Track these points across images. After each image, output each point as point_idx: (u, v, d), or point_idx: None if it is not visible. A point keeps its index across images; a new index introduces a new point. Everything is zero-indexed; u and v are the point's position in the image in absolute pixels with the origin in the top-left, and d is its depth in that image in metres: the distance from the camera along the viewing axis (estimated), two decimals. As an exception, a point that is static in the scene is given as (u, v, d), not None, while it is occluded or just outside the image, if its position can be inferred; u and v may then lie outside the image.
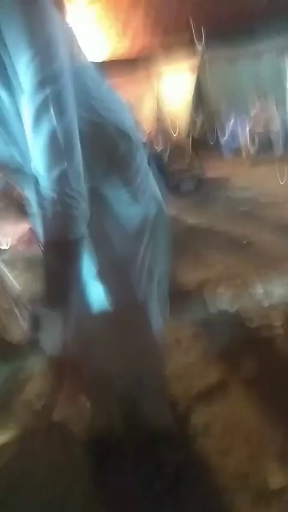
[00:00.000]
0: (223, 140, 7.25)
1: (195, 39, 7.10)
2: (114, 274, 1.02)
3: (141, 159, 1.06)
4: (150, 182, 1.11)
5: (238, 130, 6.99)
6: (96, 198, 0.91)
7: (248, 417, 1.42)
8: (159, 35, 6.14)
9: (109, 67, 7.12)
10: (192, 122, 8.11)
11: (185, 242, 3.47)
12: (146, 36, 6.08)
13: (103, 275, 1.00)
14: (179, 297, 2.42)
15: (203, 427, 1.39)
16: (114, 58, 6.83)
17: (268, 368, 1.65)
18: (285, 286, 2.33)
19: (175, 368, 1.72)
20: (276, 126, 6.45)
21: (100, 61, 6.80)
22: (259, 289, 2.35)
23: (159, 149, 7.62)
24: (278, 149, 6.48)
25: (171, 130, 8.38)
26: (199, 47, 7.45)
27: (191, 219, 4.20)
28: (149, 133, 8.35)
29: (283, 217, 3.63)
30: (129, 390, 1.24)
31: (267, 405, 1.47)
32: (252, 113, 6.70)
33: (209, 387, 1.59)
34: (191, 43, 7.03)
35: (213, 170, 6.75)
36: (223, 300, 2.30)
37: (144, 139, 7.84)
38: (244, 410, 1.45)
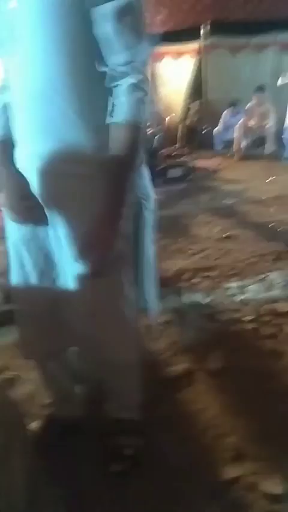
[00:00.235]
0: (215, 130, 7.20)
1: (200, 23, 6.95)
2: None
3: None
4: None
5: (231, 122, 6.93)
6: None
7: (209, 407, 1.44)
8: (161, 13, 5.96)
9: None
10: (187, 108, 7.99)
11: (166, 230, 3.46)
12: (148, 13, 5.89)
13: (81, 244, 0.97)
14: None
15: (165, 415, 1.41)
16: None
17: (234, 361, 1.67)
18: (259, 282, 2.36)
19: (142, 355, 1.72)
20: (269, 122, 6.43)
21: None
22: (233, 284, 2.37)
23: (150, 131, 7.51)
24: (269, 146, 6.49)
25: (165, 113, 8.25)
26: (203, 32, 7.30)
27: (175, 207, 4.18)
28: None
29: (264, 214, 3.67)
30: (97, 370, 1.24)
31: (230, 397, 1.50)
32: (247, 106, 6.65)
33: (174, 376, 1.60)
34: (195, 26, 6.86)
35: (203, 160, 6.72)
36: (197, 291, 2.32)
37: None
38: (206, 401, 1.47)
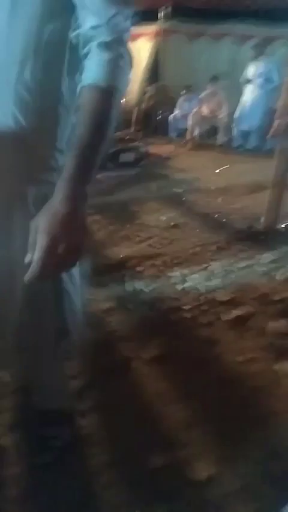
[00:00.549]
0: (171, 117, 7.19)
1: (159, 6, 6.83)
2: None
3: None
4: None
5: (186, 109, 6.95)
6: None
7: (143, 395, 1.46)
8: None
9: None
10: (142, 92, 7.89)
11: (114, 215, 3.43)
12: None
13: None
14: (98, 271, 2.40)
15: (97, 404, 1.40)
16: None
17: (171, 349, 1.70)
18: (200, 272, 2.41)
19: (80, 343, 1.70)
20: (222, 113, 6.52)
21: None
22: (176, 272, 2.40)
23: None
24: (221, 136, 6.60)
25: (120, 96, 8.09)
26: (161, 15, 7.18)
27: (124, 193, 4.15)
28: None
29: (212, 204, 3.74)
30: (24, 359, 1.20)
31: (164, 385, 1.52)
32: (202, 95, 6.69)
33: (110, 365, 1.60)
34: (153, 8, 6.72)
35: (156, 146, 6.70)
36: (141, 279, 2.32)
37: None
38: (141, 389, 1.49)
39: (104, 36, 0.75)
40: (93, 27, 0.76)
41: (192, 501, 1.10)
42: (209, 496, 1.11)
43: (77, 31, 0.78)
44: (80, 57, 0.79)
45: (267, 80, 5.85)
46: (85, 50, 0.77)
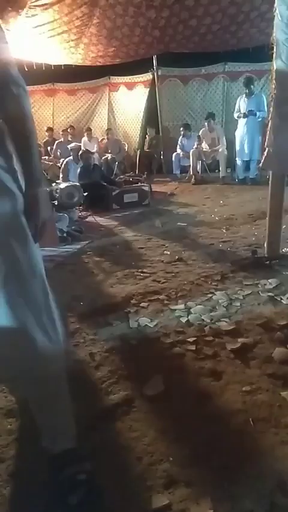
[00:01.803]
0: (172, 155, 7.42)
1: (151, 55, 7.26)
2: None
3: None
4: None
5: (186, 147, 7.18)
6: None
7: (145, 434, 1.42)
8: (114, 46, 6.18)
9: (64, 72, 7.08)
10: (143, 135, 8.24)
11: (119, 255, 3.49)
12: (101, 45, 6.10)
13: None
14: (102, 310, 2.41)
15: (100, 445, 1.37)
16: (69, 64, 6.78)
17: (174, 385, 1.67)
18: (205, 302, 2.39)
19: (83, 384, 1.69)
20: (221, 147, 6.72)
21: (56, 65, 6.73)
22: (180, 305, 2.39)
23: (109, 158, 7.67)
24: (223, 169, 6.75)
25: (123, 140, 8.46)
26: (154, 63, 7.62)
27: (130, 230, 4.23)
28: (101, 141, 8.38)
29: (215, 235, 3.77)
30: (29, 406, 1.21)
31: (166, 422, 1.47)
32: (200, 132, 6.93)
33: (112, 405, 1.57)
34: (146, 58, 7.16)
35: (160, 184, 6.89)
36: (145, 315, 2.32)
37: (95, 147, 7.84)
38: (143, 428, 1.45)
39: None
40: None
41: None
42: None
43: None
44: None
45: (257, 112, 6.04)
46: None
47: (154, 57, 7.49)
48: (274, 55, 2.55)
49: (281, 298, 2.37)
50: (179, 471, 1.25)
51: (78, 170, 5.56)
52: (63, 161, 6.14)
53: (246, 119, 6.16)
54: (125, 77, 8.32)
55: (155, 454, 1.32)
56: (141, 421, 1.49)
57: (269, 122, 2.70)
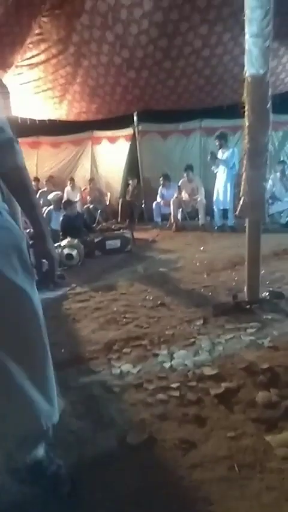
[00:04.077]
0: (154, 204, 7.66)
1: (131, 111, 7.72)
2: None
3: None
4: None
5: (166, 196, 7.46)
6: None
7: (125, 489, 1.35)
8: (97, 103, 6.56)
9: (49, 126, 7.39)
10: (125, 185, 8.54)
11: (100, 300, 3.48)
12: (84, 102, 6.46)
13: None
14: (84, 358, 2.37)
15: (78, 502, 1.30)
16: (53, 118, 7.11)
17: (156, 434, 1.62)
18: (187, 347, 2.39)
19: (64, 436, 1.63)
20: (199, 196, 7.01)
21: (39, 119, 7.04)
22: (163, 350, 2.37)
23: (91, 207, 7.83)
24: (202, 217, 6.98)
25: (105, 190, 8.73)
26: (135, 119, 8.08)
27: (111, 276, 4.25)
28: (84, 190, 8.62)
29: (197, 280, 3.83)
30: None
31: (146, 475, 1.41)
32: (179, 183, 7.24)
33: (93, 457, 1.51)
34: (127, 114, 7.59)
35: (142, 231, 7.03)
36: (127, 361, 2.29)
37: (78, 196, 8.06)
38: (123, 482, 1.38)
39: None
40: None
41: None
42: None
43: None
44: None
45: (232, 165, 6.39)
46: None
47: (135, 114, 7.93)
48: (246, 113, 2.77)
49: (263, 342, 2.39)
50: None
51: (61, 218, 5.66)
52: (45, 209, 6.25)
53: (222, 171, 6.49)
54: (108, 132, 8.73)
55: (140, 505, 1.26)
56: (121, 475, 1.42)
57: (243, 173, 2.86)
